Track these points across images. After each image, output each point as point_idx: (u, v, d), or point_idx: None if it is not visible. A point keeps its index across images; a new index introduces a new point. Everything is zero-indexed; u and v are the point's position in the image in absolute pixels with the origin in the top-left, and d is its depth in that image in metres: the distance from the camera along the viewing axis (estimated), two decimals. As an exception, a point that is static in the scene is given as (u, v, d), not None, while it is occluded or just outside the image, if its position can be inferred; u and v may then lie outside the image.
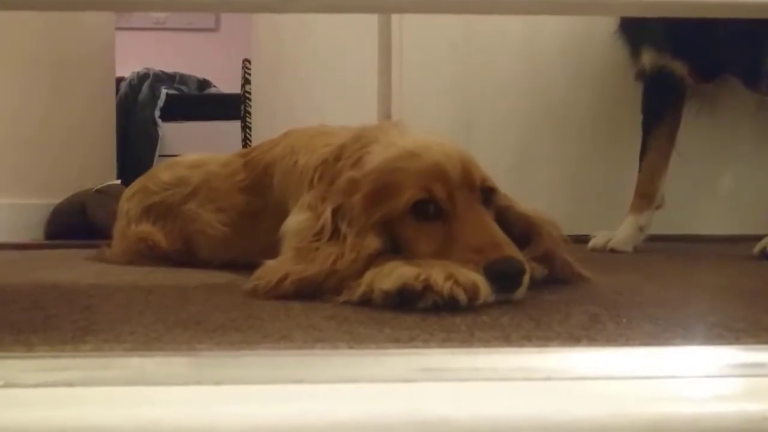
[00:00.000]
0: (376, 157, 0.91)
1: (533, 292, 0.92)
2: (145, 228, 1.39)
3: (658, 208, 1.71)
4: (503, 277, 0.79)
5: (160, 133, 3.98)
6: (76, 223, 2.15)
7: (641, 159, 1.69)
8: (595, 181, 2.02)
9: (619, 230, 1.67)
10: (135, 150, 3.80)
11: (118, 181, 2.38)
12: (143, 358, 0.50)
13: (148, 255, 1.37)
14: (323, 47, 2.16)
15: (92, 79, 2.67)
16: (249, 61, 2.90)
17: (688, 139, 1.74)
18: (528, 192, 2.04)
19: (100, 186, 2.25)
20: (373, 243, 0.84)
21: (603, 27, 1.76)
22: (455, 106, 2.03)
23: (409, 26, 2.00)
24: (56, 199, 2.26)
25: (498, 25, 2.01)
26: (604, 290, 0.98)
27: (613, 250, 1.63)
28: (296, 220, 0.94)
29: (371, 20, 2.02)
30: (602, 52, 1.85)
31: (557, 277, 0.98)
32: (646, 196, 1.68)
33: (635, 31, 1.65)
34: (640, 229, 1.67)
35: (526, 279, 0.82)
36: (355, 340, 0.61)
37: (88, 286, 0.98)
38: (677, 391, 0.54)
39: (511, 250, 0.83)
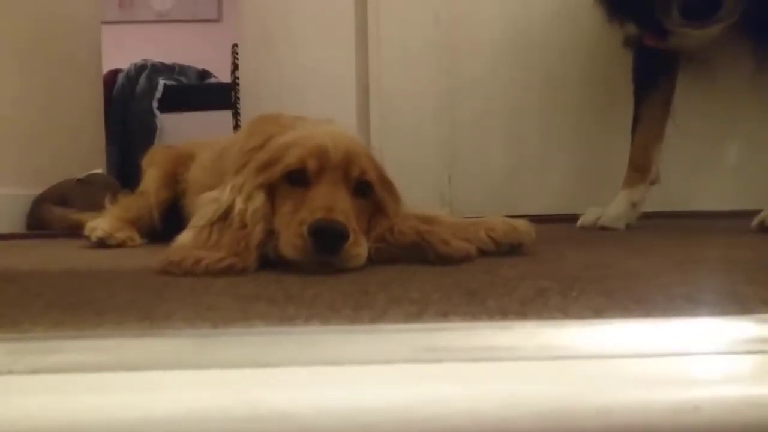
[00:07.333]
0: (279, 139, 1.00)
1: (488, 267, 0.85)
2: None
3: (653, 183, 1.60)
4: (320, 234, 0.82)
5: (158, 123, 3.94)
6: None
7: (633, 130, 1.59)
8: (589, 156, 1.91)
9: (611, 206, 1.57)
10: (134, 140, 3.77)
11: (100, 170, 2.32)
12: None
13: None
14: (304, 28, 2.08)
15: (79, 72, 2.62)
16: (237, 45, 2.81)
17: (686, 110, 1.63)
18: (517, 170, 1.97)
19: (81, 176, 2.19)
20: (256, 202, 0.91)
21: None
22: (439, 82, 1.93)
23: (387, 2, 1.90)
24: (40, 190, 2.20)
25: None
26: (568, 265, 0.89)
27: (603, 228, 1.53)
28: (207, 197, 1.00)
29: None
30: (596, 16, 1.73)
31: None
32: (640, 170, 1.57)
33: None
34: (633, 205, 1.57)
35: (352, 248, 0.84)
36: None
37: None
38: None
39: (342, 217, 0.85)
